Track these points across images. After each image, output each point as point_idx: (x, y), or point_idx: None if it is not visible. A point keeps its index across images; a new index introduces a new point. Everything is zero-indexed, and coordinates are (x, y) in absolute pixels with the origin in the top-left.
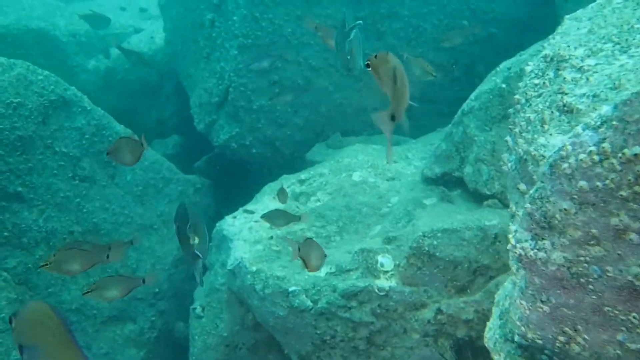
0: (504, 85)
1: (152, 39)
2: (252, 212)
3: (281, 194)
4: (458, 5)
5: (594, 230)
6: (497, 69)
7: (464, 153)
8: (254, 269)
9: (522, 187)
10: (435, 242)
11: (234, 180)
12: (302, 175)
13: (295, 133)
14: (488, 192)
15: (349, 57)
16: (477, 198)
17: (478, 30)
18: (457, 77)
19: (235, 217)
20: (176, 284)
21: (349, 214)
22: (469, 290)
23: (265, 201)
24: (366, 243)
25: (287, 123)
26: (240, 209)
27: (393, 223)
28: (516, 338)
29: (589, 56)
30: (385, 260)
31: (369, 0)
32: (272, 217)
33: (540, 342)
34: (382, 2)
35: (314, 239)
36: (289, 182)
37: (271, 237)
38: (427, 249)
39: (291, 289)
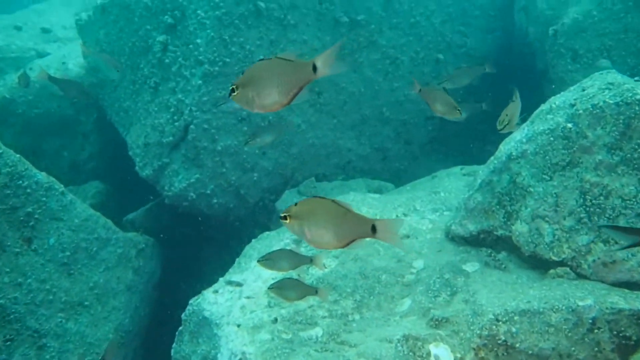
0: (570, 125)
1: (64, 65)
2: (239, 284)
3: (281, 257)
4: (434, 37)
5: None
6: (552, 105)
7: (511, 207)
8: None
9: None
10: (513, 329)
11: (185, 238)
12: None
13: (262, 178)
14: (555, 258)
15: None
16: (536, 264)
17: (489, 68)
18: (431, 115)
19: (217, 292)
20: None
21: (365, 283)
22: None
23: (254, 267)
24: (402, 325)
25: (254, 167)
26: (221, 281)
27: (429, 296)
28: None
29: None
30: (442, 352)
31: (348, 28)
32: (284, 288)
33: None
34: (361, 29)
35: (328, 319)
36: (280, 242)
37: (275, 320)
38: (503, 338)
39: None
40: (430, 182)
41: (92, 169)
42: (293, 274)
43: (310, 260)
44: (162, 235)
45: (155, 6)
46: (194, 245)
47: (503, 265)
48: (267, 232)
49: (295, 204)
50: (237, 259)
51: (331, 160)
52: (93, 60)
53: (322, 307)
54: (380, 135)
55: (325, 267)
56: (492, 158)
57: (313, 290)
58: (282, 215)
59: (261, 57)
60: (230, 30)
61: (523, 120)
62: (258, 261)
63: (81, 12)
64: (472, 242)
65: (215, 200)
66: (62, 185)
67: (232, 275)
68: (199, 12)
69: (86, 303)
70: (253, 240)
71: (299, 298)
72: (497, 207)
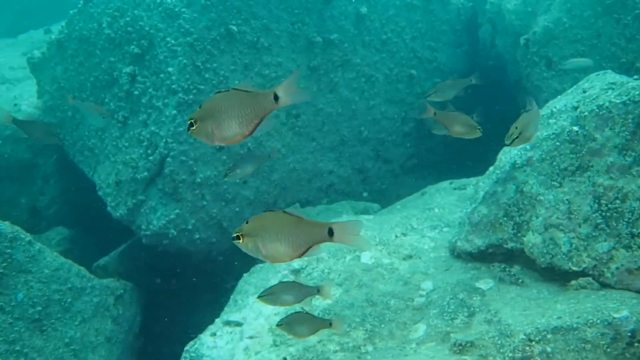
0: (576, 129)
1: (16, 107)
2: (239, 324)
3: (284, 290)
4: (406, 53)
5: None
6: (552, 110)
7: (520, 218)
8: None
9: None
10: (548, 349)
11: (165, 280)
12: (294, 263)
13: (244, 209)
14: (575, 268)
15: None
16: (554, 276)
17: (476, 80)
18: (408, 132)
19: (215, 335)
20: None
21: (374, 311)
22: None
23: (253, 303)
24: (422, 354)
25: (235, 197)
26: (218, 322)
27: (445, 319)
28: None
29: None
30: None
31: (322, 48)
32: (295, 324)
33: None
34: (335, 49)
35: (340, 352)
36: (276, 274)
37: None
38: (538, 359)
39: None
40: (420, 199)
41: (54, 214)
42: (297, 307)
43: (317, 291)
44: (139, 279)
45: (119, 37)
46: (175, 287)
47: (520, 280)
48: (260, 265)
49: (247, 222)
50: (231, 296)
51: (313, 184)
52: (49, 99)
53: (332, 341)
54: (360, 155)
55: (332, 297)
56: (491, 169)
57: (327, 323)
58: (234, 235)
59: (236, 81)
60: (202, 57)
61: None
62: (259, 297)
63: (33, 50)
64: (480, 257)
65: (197, 236)
66: (28, 235)
67: (229, 314)
68: (168, 39)
69: None
70: (245, 274)
71: (311, 333)
72: (505, 219)
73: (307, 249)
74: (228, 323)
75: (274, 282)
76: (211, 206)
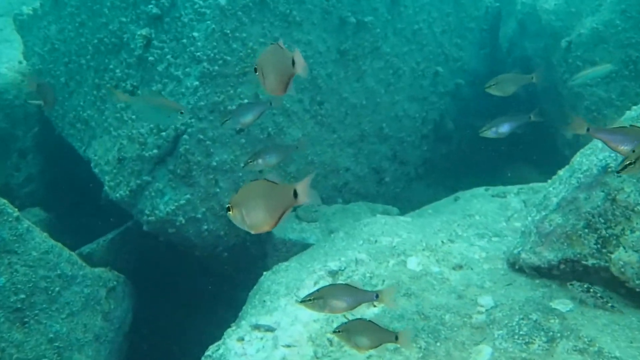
0: None
1: None
2: (270, 329)
3: (336, 294)
4: (434, 48)
5: None
6: None
7: (607, 231)
8: None
9: None
10: None
11: (160, 275)
12: (331, 263)
13: None
14: None
15: None
16: None
17: (535, 117)
18: (426, 134)
19: (243, 340)
20: None
21: (427, 326)
22: None
23: (286, 306)
24: None
25: None
26: (245, 325)
27: (518, 343)
28: None
29: None
30: None
31: (353, 31)
32: (355, 333)
33: None
34: (367, 33)
35: None
36: (312, 274)
37: None
38: None
39: None
40: (455, 205)
41: (29, 193)
42: (339, 315)
43: (376, 297)
44: (130, 272)
45: None
46: (171, 283)
47: (609, 304)
48: (285, 263)
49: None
50: (255, 297)
51: (329, 181)
52: (39, 62)
53: (382, 357)
54: (378, 154)
55: (375, 306)
56: (563, 173)
57: (392, 336)
58: (227, 206)
59: None
60: (232, 23)
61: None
62: (301, 302)
63: (21, 7)
64: (549, 274)
65: (205, 227)
66: (15, 209)
67: (259, 317)
68: (195, 0)
69: None
70: (266, 272)
71: (373, 346)
72: (586, 230)
73: (281, 216)
74: (257, 327)
75: (308, 282)
76: (224, 194)
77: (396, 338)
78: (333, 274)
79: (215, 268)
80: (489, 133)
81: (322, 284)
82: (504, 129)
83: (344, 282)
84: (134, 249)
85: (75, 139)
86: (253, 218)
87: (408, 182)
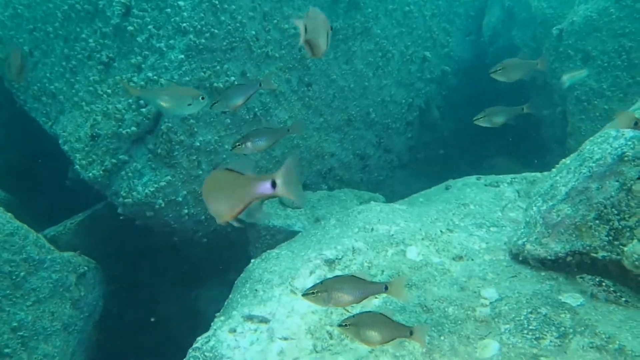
0: None
1: None
2: (265, 320)
3: (343, 286)
4: (423, 32)
5: None
6: None
7: (620, 222)
8: None
9: None
10: None
11: (133, 262)
12: (327, 252)
13: None
14: None
15: None
16: None
17: (527, 109)
18: (411, 121)
19: (235, 332)
20: None
21: (430, 319)
22: None
23: (281, 296)
24: None
25: None
26: (237, 315)
27: (527, 338)
28: None
29: None
30: None
31: (344, 9)
32: (365, 326)
33: None
34: (358, 13)
35: None
36: (307, 263)
37: None
38: None
39: None
40: (448, 194)
41: None
42: (331, 309)
43: (385, 288)
44: (100, 257)
45: None
46: (145, 270)
47: (623, 299)
48: (275, 251)
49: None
50: (245, 285)
51: (314, 166)
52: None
53: (385, 352)
54: (364, 140)
55: (376, 297)
56: (571, 161)
57: (407, 331)
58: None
59: (252, 31)
60: None
61: None
62: (304, 294)
63: None
64: (555, 266)
65: (185, 211)
66: None
67: (251, 307)
68: None
69: (6, 351)
70: (255, 260)
71: (385, 341)
72: (597, 222)
73: (247, 205)
74: (250, 318)
75: (304, 271)
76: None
77: (411, 333)
78: (329, 262)
79: (193, 254)
80: (483, 122)
81: (318, 273)
82: (499, 119)
83: (349, 274)
84: (104, 232)
85: (40, 114)
86: (214, 210)
87: (391, 170)
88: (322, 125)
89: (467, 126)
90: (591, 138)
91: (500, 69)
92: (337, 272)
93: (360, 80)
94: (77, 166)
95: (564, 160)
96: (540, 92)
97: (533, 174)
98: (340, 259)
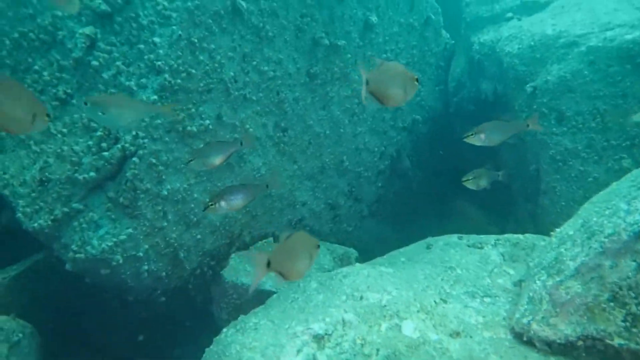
0: None
1: None
2: None
3: None
4: None
5: None
6: None
7: (639, 307)
8: None
9: None
10: None
11: (77, 324)
12: (315, 325)
13: (206, 237)
14: None
15: None
16: None
17: (502, 177)
18: (383, 170)
19: None
20: None
21: None
22: None
23: None
24: None
25: (200, 221)
26: None
27: None
28: None
29: None
30: None
31: (324, 54)
32: None
33: None
34: (337, 58)
35: None
36: (292, 339)
37: None
38: None
39: None
40: (431, 254)
41: None
42: None
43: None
44: (38, 319)
45: None
46: (93, 334)
47: None
48: (252, 320)
49: None
50: None
51: (284, 215)
52: None
53: None
54: (336, 189)
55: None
56: (581, 232)
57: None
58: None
59: (231, 72)
60: (200, 32)
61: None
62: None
63: None
64: (564, 350)
65: (145, 267)
66: None
67: None
68: None
69: None
70: (229, 330)
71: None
72: (612, 304)
73: None
74: None
75: (290, 350)
76: (171, 229)
77: None
78: (318, 338)
79: (147, 316)
80: (471, 185)
81: (306, 351)
82: (483, 182)
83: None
84: (44, 289)
85: None
86: None
87: (360, 221)
88: (296, 172)
89: (436, 174)
90: (590, 206)
91: (480, 134)
92: (328, 351)
93: (336, 126)
94: (20, 214)
95: (560, 229)
96: (512, 148)
97: (516, 235)
98: (330, 334)
